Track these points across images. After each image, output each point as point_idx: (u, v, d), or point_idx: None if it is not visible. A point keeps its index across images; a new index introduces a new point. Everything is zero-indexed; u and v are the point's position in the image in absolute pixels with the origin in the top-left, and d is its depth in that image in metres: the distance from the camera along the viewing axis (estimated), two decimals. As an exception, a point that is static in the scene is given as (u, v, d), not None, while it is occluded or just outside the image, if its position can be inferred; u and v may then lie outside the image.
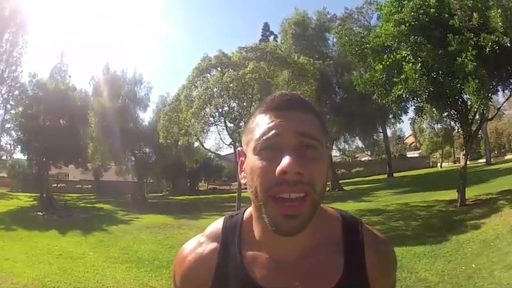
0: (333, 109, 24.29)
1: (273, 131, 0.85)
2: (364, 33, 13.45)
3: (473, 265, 6.77)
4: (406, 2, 11.41)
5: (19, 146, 26.67)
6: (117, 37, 64.98)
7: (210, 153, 28.22)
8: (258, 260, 0.93)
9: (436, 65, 11.00)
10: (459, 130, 13.46)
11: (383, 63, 11.53)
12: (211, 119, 17.53)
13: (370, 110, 20.04)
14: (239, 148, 0.98)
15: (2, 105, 25.78)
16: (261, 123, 0.88)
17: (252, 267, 0.93)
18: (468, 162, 13.87)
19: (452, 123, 14.77)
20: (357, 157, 42.01)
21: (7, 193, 29.73)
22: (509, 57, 10.35)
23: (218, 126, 18.07)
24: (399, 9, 11.46)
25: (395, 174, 32.11)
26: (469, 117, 12.60)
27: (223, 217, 1.05)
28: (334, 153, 31.06)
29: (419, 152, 48.52)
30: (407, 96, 11.77)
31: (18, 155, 28.82)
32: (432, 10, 10.81)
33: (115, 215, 19.10)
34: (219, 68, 17.27)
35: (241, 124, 17.42)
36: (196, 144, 22.53)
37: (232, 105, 17.53)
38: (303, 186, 0.81)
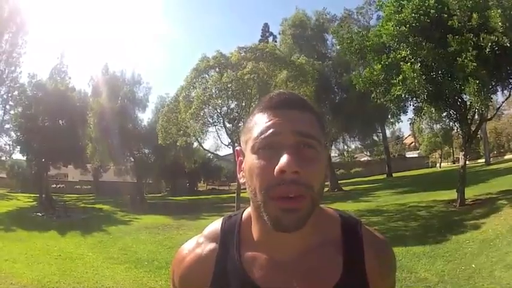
0: (332, 109, 24.26)
1: (271, 130, 0.84)
2: (364, 33, 13.43)
3: (473, 265, 6.77)
4: (406, 2, 11.42)
5: (18, 147, 26.75)
6: (116, 37, 64.90)
7: (209, 154, 28.25)
8: (256, 260, 0.93)
9: (435, 65, 11.01)
10: (458, 130, 13.46)
11: (382, 63, 11.55)
12: (210, 120, 17.51)
13: (369, 110, 20.02)
14: (238, 147, 0.98)
15: (1, 105, 25.78)
16: (259, 122, 0.88)
17: (251, 268, 0.92)
18: (467, 162, 13.88)
19: (451, 123, 14.76)
20: (356, 157, 41.98)
21: (6, 194, 29.76)
22: (508, 58, 10.36)
23: (217, 127, 18.07)
24: (400, 10, 11.46)
25: (394, 175, 32.16)
26: (468, 117, 12.59)
27: (222, 218, 1.05)
28: (333, 153, 31.03)
29: (418, 152, 48.51)
30: (407, 96, 11.78)
31: (18, 156, 28.93)
32: (432, 11, 10.82)
33: (114, 215, 19.10)
34: (217, 69, 17.26)
35: (240, 125, 17.40)
36: (195, 144, 22.53)
37: (231, 106, 17.52)
38: (300, 186, 0.80)
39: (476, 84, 9.77)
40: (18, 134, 26.05)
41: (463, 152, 13.16)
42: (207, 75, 17.37)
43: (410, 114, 13.01)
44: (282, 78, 17.07)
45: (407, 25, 11.03)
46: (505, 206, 10.31)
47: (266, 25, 44.04)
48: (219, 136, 18.59)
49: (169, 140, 18.72)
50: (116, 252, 10.65)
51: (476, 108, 11.80)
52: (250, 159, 0.86)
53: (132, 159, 26.88)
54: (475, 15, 10.31)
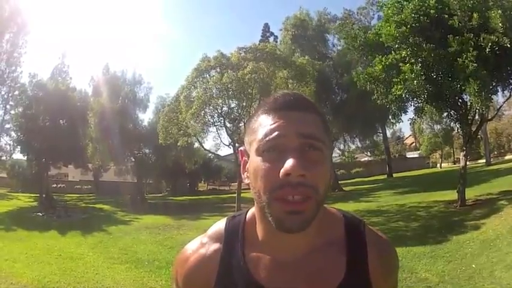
0: (333, 110, 24.24)
1: (276, 133, 0.84)
2: (366, 31, 13.47)
3: (474, 265, 6.77)
4: (406, 3, 11.42)
5: (19, 147, 26.74)
6: (116, 38, 64.90)
7: (209, 154, 28.21)
8: (261, 260, 0.93)
9: (436, 66, 11.01)
10: (459, 130, 13.47)
11: (382, 63, 11.55)
12: (211, 120, 17.52)
13: (369, 110, 20.01)
14: (242, 147, 0.98)
15: (1, 105, 25.77)
16: (264, 123, 0.88)
17: (255, 268, 0.92)
18: (468, 163, 13.86)
19: (451, 123, 14.77)
20: (357, 158, 41.95)
21: (7, 193, 29.74)
22: (509, 58, 10.35)
23: (217, 127, 18.07)
24: (400, 10, 11.47)
25: (394, 175, 32.10)
26: (469, 117, 12.59)
27: (226, 218, 1.05)
28: (334, 153, 30.97)
29: (418, 152, 48.44)
30: (407, 96, 11.78)
31: (18, 156, 28.89)
32: (432, 11, 10.82)
33: (114, 215, 19.10)
34: (218, 69, 17.26)
35: (240, 125, 17.43)
36: (196, 144, 22.51)
37: (232, 106, 17.52)
38: (306, 188, 0.80)
39: (476, 84, 9.76)
40: (19, 133, 26.04)
41: (464, 153, 13.14)
42: (207, 75, 17.37)
43: (410, 114, 13.01)
44: (282, 78, 17.07)
45: (408, 25, 11.03)
46: (506, 206, 10.30)
47: (266, 25, 44.08)
48: (219, 136, 18.62)
49: (170, 140, 18.72)
50: (117, 252, 10.65)
51: (476, 109, 11.81)
52: (255, 161, 0.86)
53: (133, 159, 26.89)
54: (475, 16, 10.32)
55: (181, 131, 17.88)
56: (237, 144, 17.39)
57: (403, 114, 12.72)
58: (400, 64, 11.18)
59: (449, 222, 10.44)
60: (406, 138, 58.37)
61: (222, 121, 17.41)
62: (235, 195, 16.85)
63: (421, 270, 6.99)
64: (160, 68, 77.65)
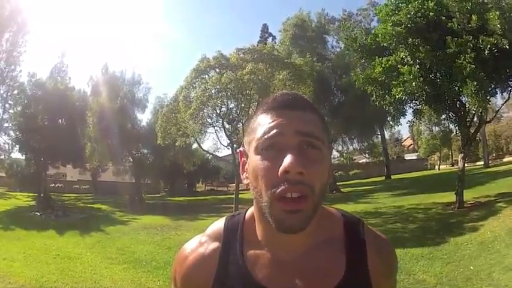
0: (331, 111, 24.22)
1: (275, 131, 0.85)
2: (365, 33, 13.48)
3: (472, 267, 6.78)
4: (403, 5, 11.43)
5: (17, 146, 26.72)
6: (115, 37, 64.84)
7: (207, 155, 28.21)
8: (260, 259, 0.93)
9: (434, 67, 11.03)
10: (457, 132, 13.50)
11: (382, 65, 11.56)
12: (209, 120, 17.50)
13: (368, 112, 20.03)
14: (241, 149, 0.98)
15: (0, 104, 25.70)
16: (263, 122, 0.88)
17: (254, 267, 0.93)
18: (466, 165, 13.90)
19: (450, 125, 14.81)
20: (355, 159, 41.94)
21: (5, 192, 29.68)
22: (507, 60, 10.37)
23: (216, 128, 18.06)
24: (396, 12, 11.48)
25: (393, 177, 32.07)
26: (467, 119, 12.61)
27: (225, 217, 1.05)
28: (332, 155, 30.93)
29: (417, 154, 48.39)
30: (406, 98, 11.79)
31: (16, 155, 28.88)
32: (431, 14, 10.84)
33: (112, 215, 19.07)
34: (217, 69, 17.24)
35: (239, 125, 17.42)
36: (194, 145, 22.51)
37: (230, 107, 17.49)
38: (303, 187, 0.81)
39: (473, 85, 9.78)
40: (18, 133, 25.99)
41: (462, 155, 13.17)
42: (206, 76, 17.35)
43: (409, 116, 13.03)
44: (280, 79, 17.07)
45: (403, 26, 11.04)
46: (504, 208, 10.33)
47: (265, 26, 44.08)
48: (218, 137, 18.61)
49: (169, 140, 18.71)
50: (114, 252, 10.64)
51: (475, 111, 11.83)
52: (254, 160, 0.86)
53: (131, 159, 26.87)
54: (474, 17, 10.33)
55: (180, 132, 17.86)
56: (235, 145, 17.39)
57: (401, 117, 12.75)
58: (399, 66, 11.20)
59: (447, 224, 10.45)
60: (405, 140, 58.35)
61: (221, 122, 17.40)
62: (233, 196, 16.85)
63: (419, 271, 7.00)
64: (159, 68, 77.85)
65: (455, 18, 10.73)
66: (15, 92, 25.64)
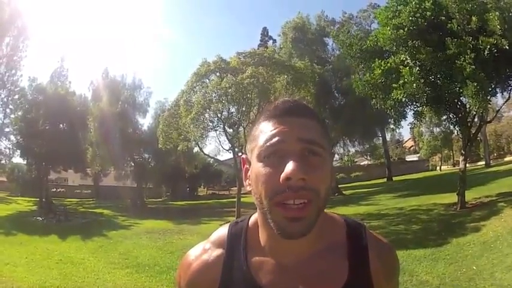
0: (332, 114, 24.21)
1: (277, 138, 0.86)
2: (363, 36, 13.47)
3: (474, 267, 6.78)
4: (402, 7, 11.45)
5: (18, 151, 26.77)
6: (116, 42, 65.00)
7: (209, 159, 28.17)
8: (263, 265, 0.94)
9: (434, 69, 11.04)
10: (458, 133, 13.49)
11: (381, 68, 11.57)
12: (210, 124, 17.48)
13: (369, 114, 20.00)
14: (243, 155, 0.99)
15: (1, 109, 25.68)
16: (265, 130, 0.89)
17: (258, 273, 0.93)
18: (467, 165, 13.88)
19: (451, 126, 14.78)
20: (356, 161, 41.96)
21: (6, 197, 29.75)
22: (507, 60, 10.38)
23: (217, 132, 18.04)
24: (397, 14, 11.49)
25: (394, 178, 32.04)
26: (468, 120, 12.61)
27: (229, 223, 1.06)
28: (333, 157, 30.92)
29: (418, 155, 48.35)
30: (406, 100, 11.79)
31: (18, 159, 28.91)
32: (428, 13, 10.85)
33: (115, 220, 19.08)
34: (217, 73, 17.25)
35: (240, 129, 17.43)
36: (196, 149, 22.48)
37: (231, 111, 17.47)
38: (306, 192, 0.82)
39: (474, 86, 9.78)
40: (18, 137, 26.06)
41: (463, 155, 13.17)
42: (207, 80, 17.36)
43: (410, 118, 13.03)
44: (281, 82, 17.08)
45: (405, 28, 11.05)
46: (505, 208, 10.33)
47: (265, 29, 44.18)
48: (219, 141, 18.59)
49: (170, 144, 18.68)
50: (117, 257, 10.64)
51: (475, 111, 11.83)
52: (256, 167, 0.87)
53: (133, 164, 26.91)
54: (474, 18, 10.35)
55: (181, 136, 17.85)
56: (236, 149, 17.39)
57: (402, 120, 12.76)
58: (400, 67, 11.20)
59: (449, 224, 10.45)
60: (406, 141, 58.30)
61: (222, 126, 17.39)
62: (235, 199, 16.83)
63: (422, 272, 7.00)
64: (160, 73, 77.93)
65: (455, 19, 10.75)
66: (16, 96, 25.64)
